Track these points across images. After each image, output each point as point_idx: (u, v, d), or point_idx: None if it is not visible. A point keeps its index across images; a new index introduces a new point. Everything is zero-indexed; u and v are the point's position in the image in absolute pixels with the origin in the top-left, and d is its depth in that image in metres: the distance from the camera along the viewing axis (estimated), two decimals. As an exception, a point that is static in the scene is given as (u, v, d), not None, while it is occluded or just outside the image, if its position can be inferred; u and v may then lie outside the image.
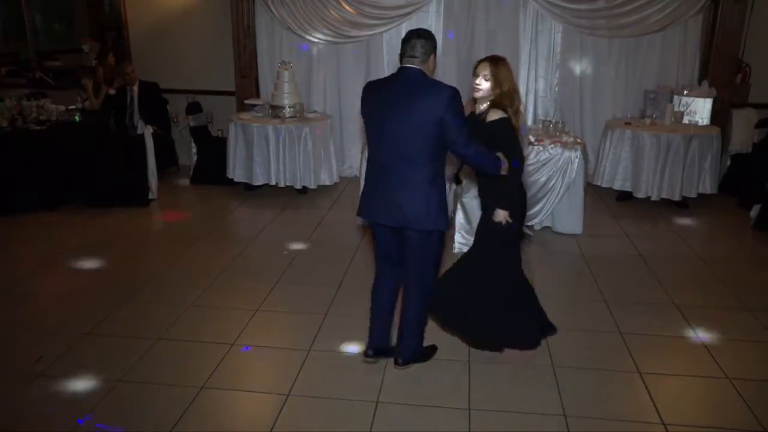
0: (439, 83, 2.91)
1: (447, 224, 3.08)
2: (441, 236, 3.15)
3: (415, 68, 2.90)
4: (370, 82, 3.10)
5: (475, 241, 3.38)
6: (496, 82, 3.09)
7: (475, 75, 3.14)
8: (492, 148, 3.01)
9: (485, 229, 3.27)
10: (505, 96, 3.09)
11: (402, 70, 2.93)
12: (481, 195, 3.36)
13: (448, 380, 3.19)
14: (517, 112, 3.11)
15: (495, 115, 3.06)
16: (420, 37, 2.90)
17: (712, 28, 6.49)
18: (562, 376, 3.21)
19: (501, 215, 3.11)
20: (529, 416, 2.91)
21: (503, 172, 3.03)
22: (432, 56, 2.93)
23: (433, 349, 3.40)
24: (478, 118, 3.14)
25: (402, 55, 2.93)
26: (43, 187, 5.78)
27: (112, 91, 6.99)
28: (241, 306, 3.97)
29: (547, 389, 3.11)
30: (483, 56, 7.04)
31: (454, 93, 2.84)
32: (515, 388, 3.13)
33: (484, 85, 3.11)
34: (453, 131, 2.84)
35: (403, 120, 2.85)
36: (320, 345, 3.51)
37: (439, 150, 2.92)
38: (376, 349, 3.30)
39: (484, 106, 3.14)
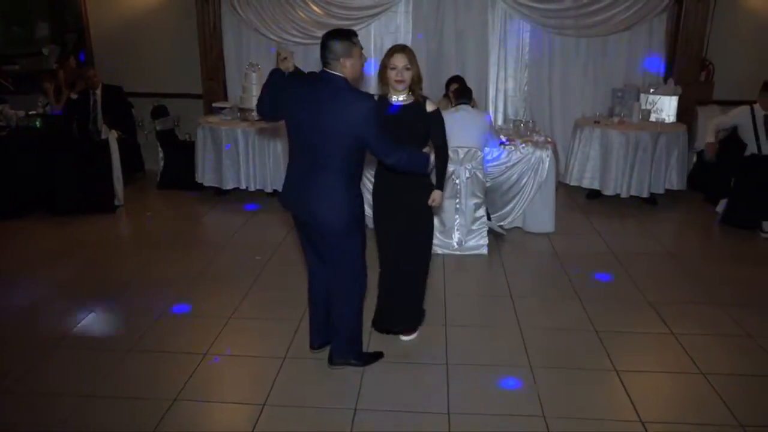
0: (359, 94, 2.83)
1: (360, 228, 3.02)
2: (359, 238, 3.04)
3: (334, 74, 2.81)
4: (294, 75, 2.98)
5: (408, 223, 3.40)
6: (415, 70, 3.17)
7: (394, 67, 3.16)
8: (429, 138, 3.22)
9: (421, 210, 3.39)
10: (417, 84, 3.21)
11: (323, 74, 2.85)
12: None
13: (426, 385, 3.15)
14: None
15: (432, 106, 3.25)
16: (334, 39, 2.79)
17: (676, 27, 6.60)
18: (540, 377, 3.21)
19: (439, 196, 3.33)
20: (509, 418, 2.89)
21: (431, 166, 3.14)
22: (348, 59, 2.80)
23: (374, 355, 3.34)
24: (412, 108, 3.23)
25: (320, 58, 2.86)
26: (4, 195, 5.59)
27: (74, 96, 6.80)
28: (213, 314, 3.88)
29: (526, 390, 3.10)
30: (452, 56, 7.12)
31: (374, 106, 2.77)
32: (494, 390, 3.11)
33: (406, 74, 3.16)
34: (376, 146, 2.83)
35: (317, 127, 2.78)
36: (296, 352, 3.44)
37: (356, 157, 2.88)
38: (321, 344, 3.35)
39: (402, 96, 3.22)
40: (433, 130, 3.27)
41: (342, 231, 2.94)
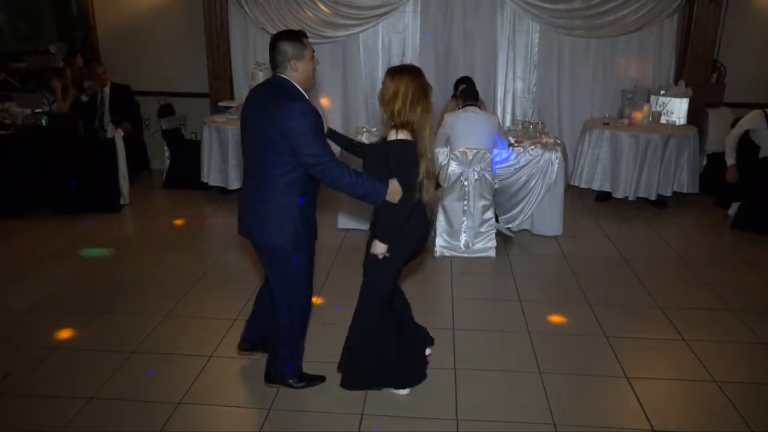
0: (294, 96, 2.65)
1: (302, 245, 2.77)
2: (300, 258, 2.80)
3: (281, 77, 2.69)
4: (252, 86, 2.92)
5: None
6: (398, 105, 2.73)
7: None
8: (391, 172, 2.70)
9: (366, 260, 2.94)
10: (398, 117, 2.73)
11: (272, 77, 2.75)
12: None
13: (434, 390, 3.10)
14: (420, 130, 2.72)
15: (393, 135, 2.70)
16: (283, 40, 2.66)
17: (687, 29, 6.53)
18: (550, 383, 3.16)
19: (378, 248, 2.76)
20: (518, 425, 2.84)
21: (390, 199, 2.67)
22: (299, 62, 2.66)
23: (315, 378, 3.12)
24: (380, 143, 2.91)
25: (269, 62, 2.75)
26: (9, 193, 5.57)
27: (84, 98, 6.78)
28: (219, 315, 3.84)
29: (535, 397, 3.05)
30: (460, 56, 7.04)
31: (306, 107, 2.58)
32: (503, 396, 3.06)
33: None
34: (303, 150, 2.57)
35: (254, 130, 2.67)
36: (302, 355, 3.40)
37: (293, 164, 2.62)
38: (249, 348, 3.25)
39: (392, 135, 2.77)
40: (392, 164, 2.71)
41: (278, 249, 2.73)
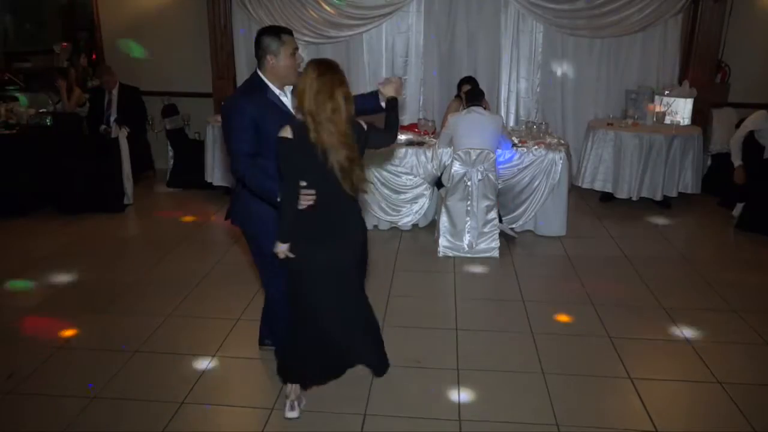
0: (245, 90, 2.78)
1: (257, 230, 2.82)
2: (259, 241, 2.84)
3: (256, 73, 2.77)
4: None
5: None
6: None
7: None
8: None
9: None
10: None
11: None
12: None
13: (437, 390, 3.10)
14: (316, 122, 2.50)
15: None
16: (262, 34, 2.73)
17: (691, 29, 6.51)
18: (553, 384, 3.15)
19: (276, 247, 2.62)
20: (520, 426, 2.83)
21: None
22: (273, 57, 2.70)
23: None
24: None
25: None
26: (14, 192, 5.59)
27: (85, 96, 6.80)
28: (221, 315, 3.84)
29: (538, 398, 3.04)
30: (464, 56, 7.03)
31: (226, 104, 2.72)
32: (506, 397, 3.05)
33: None
34: (226, 143, 2.75)
35: None
36: (305, 355, 3.39)
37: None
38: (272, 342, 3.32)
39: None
40: None
41: (244, 231, 2.95)
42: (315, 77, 2.49)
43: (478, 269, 4.65)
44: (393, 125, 2.85)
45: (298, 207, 2.56)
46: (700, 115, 6.36)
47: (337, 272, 2.72)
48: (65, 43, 7.45)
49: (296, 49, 2.77)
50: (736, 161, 5.58)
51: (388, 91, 2.84)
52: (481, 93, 5.11)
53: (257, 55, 2.74)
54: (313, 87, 2.48)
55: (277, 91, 2.79)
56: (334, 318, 2.78)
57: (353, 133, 2.56)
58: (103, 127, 6.51)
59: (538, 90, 6.87)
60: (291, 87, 2.82)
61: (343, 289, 2.77)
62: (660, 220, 5.74)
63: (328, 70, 2.52)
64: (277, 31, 2.71)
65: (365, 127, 2.68)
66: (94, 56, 7.37)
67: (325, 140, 2.48)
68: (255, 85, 2.75)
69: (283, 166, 2.54)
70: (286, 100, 2.82)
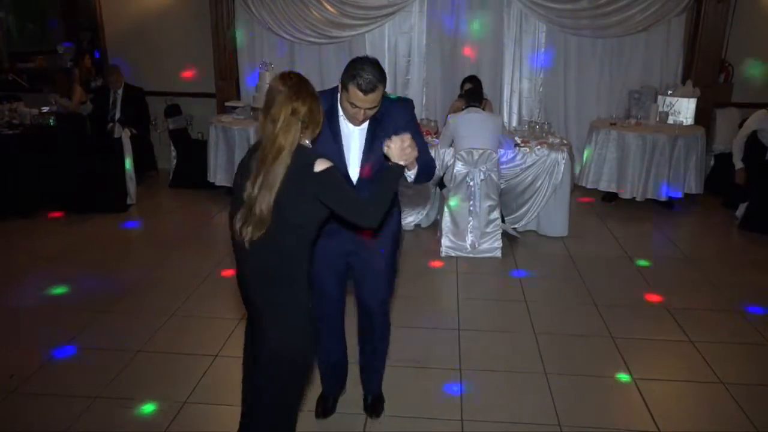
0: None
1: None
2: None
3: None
4: None
5: None
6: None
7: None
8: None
9: None
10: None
11: None
12: None
13: (439, 390, 3.10)
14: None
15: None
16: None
17: (695, 29, 6.49)
18: (556, 384, 3.14)
19: None
20: (523, 426, 2.83)
21: None
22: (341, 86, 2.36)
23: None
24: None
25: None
26: (17, 193, 5.60)
27: (89, 96, 6.82)
28: (224, 315, 3.84)
29: (541, 398, 3.04)
30: (466, 56, 6.99)
31: None
32: (508, 397, 3.05)
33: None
34: None
35: None
36: (307, 355, 3.39)
37: None
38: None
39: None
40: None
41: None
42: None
43: (480, 269, 4.65)
44: (381, 200, 2.11)
45: None
46: (703, 115, 6.34)
47: None
48: (68, 44, 7.49)
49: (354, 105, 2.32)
50: (737, 163, 5.57)
51: (392, 155, 2.14)
52: (480, 93, 5.11)
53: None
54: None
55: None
56: None
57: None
58: (110, 125, 6.53)
59: (540, 90, 6.86)
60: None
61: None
62: (662, 221, 5.73)
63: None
64: (354, 75, 2.26)
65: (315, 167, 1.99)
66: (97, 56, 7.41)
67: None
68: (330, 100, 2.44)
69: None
70: (351, 132, 2.47)
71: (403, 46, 6.86)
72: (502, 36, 6.71)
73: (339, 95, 2.39)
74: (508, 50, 6.76)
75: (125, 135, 5.98)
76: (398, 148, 2.12)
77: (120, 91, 6.66)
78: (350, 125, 2.45)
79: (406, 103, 2.57)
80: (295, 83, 2.01)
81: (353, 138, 2.47)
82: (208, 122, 6.37)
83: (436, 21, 6.71)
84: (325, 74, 6.95)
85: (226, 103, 6.68)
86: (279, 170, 1.94)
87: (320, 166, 1.99)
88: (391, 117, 2.44)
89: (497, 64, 6.78)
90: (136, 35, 7.08)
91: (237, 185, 2.09)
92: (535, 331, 3.68)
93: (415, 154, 2.17)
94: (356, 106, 2.29)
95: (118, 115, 6.61)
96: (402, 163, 2.14)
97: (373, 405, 2.92)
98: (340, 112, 2.44)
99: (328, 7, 6.62)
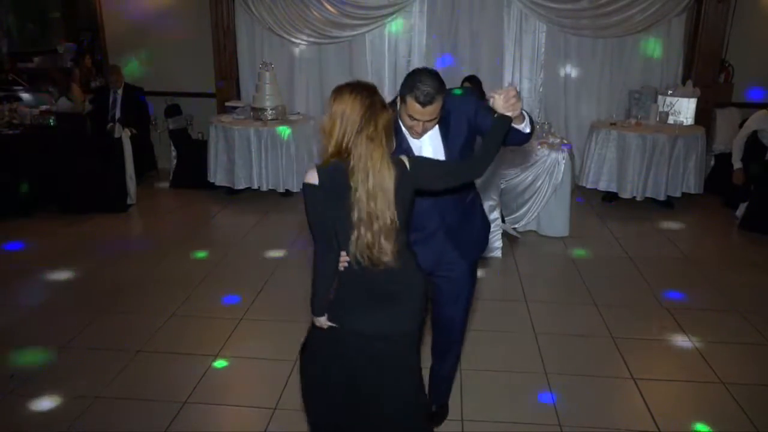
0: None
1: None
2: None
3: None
4: None
5: None
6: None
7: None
8: None
9: None
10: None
11: None
12: None
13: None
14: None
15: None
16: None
17: (695, 29, 6.49)
18: (556, 384, 3.14)
19: (316, 321, 2.18)
20: (523, 426, 2.83)
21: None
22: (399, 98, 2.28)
23: None
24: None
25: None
26: (17, 193, 5.59)
27: (89, 97, 6.82)
28: (224, 315, 3.84)
29: (541, 398, 3.04)
30: (467, 56, 6.93)
31: None
32: (508, 398, 3.05)
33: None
34: None
35: None
36: (307, 355, 3.39)
37: None
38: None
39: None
40: None
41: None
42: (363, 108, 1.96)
43: (480, 269, 4.64)
44: (487, 152, 2.16)
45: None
46: (703, 116, 6.34)
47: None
48: (69, 44, 7.48)
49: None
50: (736, 163, 5.57)
51: (497, 107, 2.16)
52: (480, 93, 5.09)
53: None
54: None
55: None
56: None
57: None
58: (110, 124, 6.53)
59: (541, 90, 6.85)
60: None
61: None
62: (663, 221, 5.72)
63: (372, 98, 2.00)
64: (412, 88, 2.18)
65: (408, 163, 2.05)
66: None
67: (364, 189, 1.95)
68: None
69: (309, 217, 2.05)
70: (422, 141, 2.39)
71: (403, 46, 6.86)
72: (502, 36, 6.71)
73: (398, 108, 2.30)
74: (508, 50, 6.76)
75: (125, 135, 5.98)
76: (503, 99, 2.15)
77: (120, 91, 6.66)
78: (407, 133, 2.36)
79: (466, 92, 2.52)
80: (370, 94, 1.98)
81: (425, 147, 2.39)
82: (208, 122, 6.38)
83: (436, 21, 6.71)
84: (325, 74, 6.96)
85: (226, 103, 6.69)
86: (386, 175, 1.94)
87: (406, 160, 2.05)
88: (457, 110, 2.39)
89: (497, 65, 6.77)
90: (136, 35, 7.08)
91: (319, 213, 2.00)
92: (535, 331, 3.68)
93: (521, 105, 2.19)
94: (415, 119, 2.24)
95: (118, 115, 6.61)
96: (510, 114, 2.15)
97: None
98: (401, 125, 2.34)
99: (328, 7, 6.62)
